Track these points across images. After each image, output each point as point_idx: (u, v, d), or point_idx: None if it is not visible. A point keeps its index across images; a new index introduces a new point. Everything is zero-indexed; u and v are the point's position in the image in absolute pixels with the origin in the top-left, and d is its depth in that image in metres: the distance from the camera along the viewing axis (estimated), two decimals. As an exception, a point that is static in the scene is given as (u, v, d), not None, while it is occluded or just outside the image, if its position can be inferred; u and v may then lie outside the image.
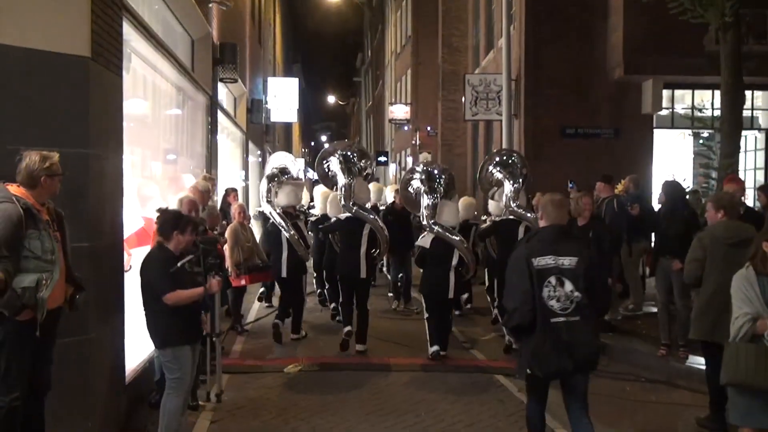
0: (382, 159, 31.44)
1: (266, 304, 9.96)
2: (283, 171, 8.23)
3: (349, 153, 7.75)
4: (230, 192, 9.47)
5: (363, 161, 7.81)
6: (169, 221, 4.50)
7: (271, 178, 8.11)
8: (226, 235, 7.40)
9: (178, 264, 4.42)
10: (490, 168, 8.09)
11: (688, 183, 11.24)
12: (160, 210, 4.66)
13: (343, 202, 7.51)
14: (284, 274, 7.72)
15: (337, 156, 7.72)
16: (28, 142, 4.06)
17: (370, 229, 7.44)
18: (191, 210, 5.53)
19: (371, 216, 7.61)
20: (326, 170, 7.86)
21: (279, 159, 8.66)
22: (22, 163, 3.72)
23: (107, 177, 4.77)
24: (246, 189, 14.98)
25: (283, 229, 7.70)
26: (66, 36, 4.28)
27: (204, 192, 6.59)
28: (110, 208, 4.85)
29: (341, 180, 7.56)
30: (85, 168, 4.38)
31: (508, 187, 7.67)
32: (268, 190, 8.05)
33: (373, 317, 7.92)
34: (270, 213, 7.96)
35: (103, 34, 4.57)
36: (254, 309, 9.84)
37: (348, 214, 7.48)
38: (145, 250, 6.31)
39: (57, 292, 3.81)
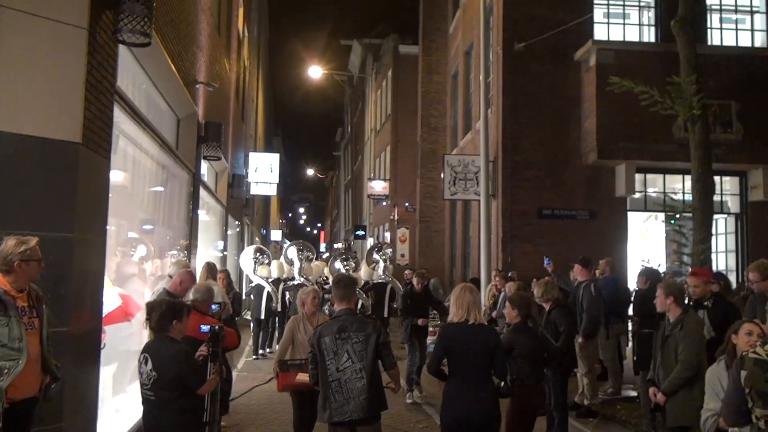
0: (360, 233, 31.59)
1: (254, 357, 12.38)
2: (261, 250, 13.36)
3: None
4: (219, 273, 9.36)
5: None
6: (165, 314, 4.29)
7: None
8: (286, 327, 6.64)
9: (196, 356, 4.44)
10: (372, 254, 12.98)
11: (662, 265, 11.43)
12: (149, 305, 4.50)
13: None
14: None
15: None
16: (13, 225, 4.06)
17: None
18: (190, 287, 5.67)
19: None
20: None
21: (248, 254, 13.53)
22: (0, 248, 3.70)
23: (90, 260, 4.75)
24: (224, 260, 14.93)
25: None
26: (58, 122, 4.35)
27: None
28: (91, 292, 4.80)
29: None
30: (68, 252, 4.36)
31: (382, 263, 12.41)
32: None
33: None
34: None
35: (94, 119, 4.66)
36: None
37: None
38: (121, 327, 6.27)
39: (30, 381, 3.69)
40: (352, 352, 4.44)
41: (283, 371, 6.01)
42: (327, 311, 10.99)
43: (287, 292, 12.72)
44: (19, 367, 3.53)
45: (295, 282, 12.59)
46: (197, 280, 7.11)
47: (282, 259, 13.81)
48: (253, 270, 13.17)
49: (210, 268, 8.13)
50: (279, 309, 12.82)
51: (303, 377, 5.53)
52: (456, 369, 4.71)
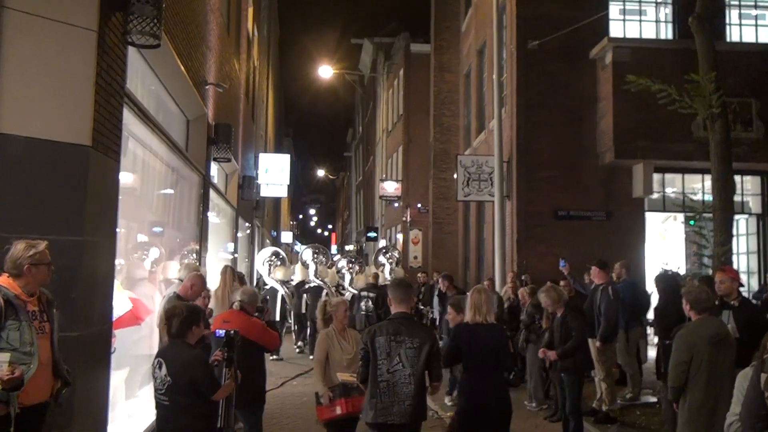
0: (372, 234, 31.47)
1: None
2: (276, 253, 14.29)
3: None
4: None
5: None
6: (186, 320, 4.25)
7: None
8: (317, 344, 6.00)
9: (210, 361, 4.40)
10: (379, 257, 14.77)
11: (681, 268, 11.25)
12: (169, 310, 4.45)
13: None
14: None
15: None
16: (23, 229, 4.01)
17: None
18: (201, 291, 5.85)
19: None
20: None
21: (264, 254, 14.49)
22: (9, 252, 3.65)
23: (100, 264, 4.68)
24: (234, 262, 14.87)
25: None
26: (68, 125, 4.30)
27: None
28: (101, 296, 4.74)
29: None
30: (78, 255, 4.30)
31: (388, 266, 14.08)
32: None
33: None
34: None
35: (104, 122, 4.59)
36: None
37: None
38: (132, 331, 6.20)
39: (42, 386, 3.64)
40: (404, 357, 4.50)
41: (345, 396, 5.25)
42: (363, 308, 11.92)
43: (305, 294, 13.89)
44: (30, 371, 3.49)
45: (312, 284, 13.85)
46: (212, 283, 7.05)
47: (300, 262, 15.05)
48: (268, 272, 13.85)
49: (233, 271, 8.03)
50: (303, 310, 13.87)
51: (344, 377, 5.33)
52: (470, 364, 5.18)
